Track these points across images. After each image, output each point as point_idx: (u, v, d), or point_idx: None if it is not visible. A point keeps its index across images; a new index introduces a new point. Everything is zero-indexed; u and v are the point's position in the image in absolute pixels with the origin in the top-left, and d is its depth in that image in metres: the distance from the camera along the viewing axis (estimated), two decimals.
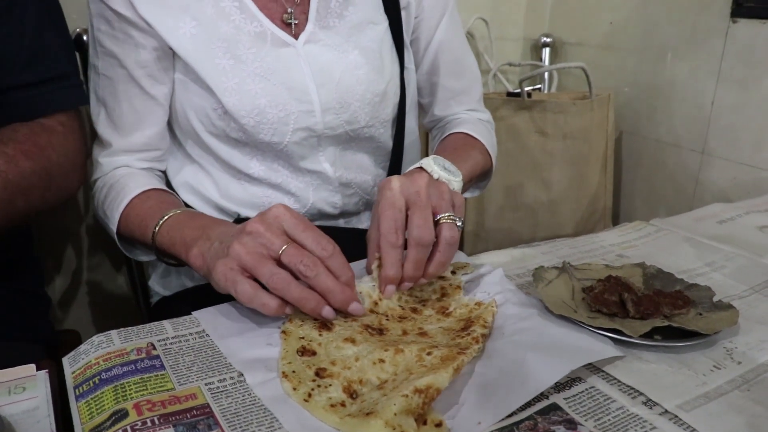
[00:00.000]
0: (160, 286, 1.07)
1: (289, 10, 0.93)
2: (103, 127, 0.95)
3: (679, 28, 1.49)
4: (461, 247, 1.57)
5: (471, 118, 1.14)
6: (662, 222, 1.11)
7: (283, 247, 0.68)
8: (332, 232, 0.75)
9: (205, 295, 0.75)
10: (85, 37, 1.15)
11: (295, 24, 0.94)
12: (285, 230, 0.70)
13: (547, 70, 1.74)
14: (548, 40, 1.79)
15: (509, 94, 1.51)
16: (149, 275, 1.11)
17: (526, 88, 1.64)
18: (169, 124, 0.99)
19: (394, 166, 1.06)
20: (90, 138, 1.12)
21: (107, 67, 0.92)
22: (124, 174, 0.95)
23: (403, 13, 1.02)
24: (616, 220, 1.68)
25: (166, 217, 0.84)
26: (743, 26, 1.36)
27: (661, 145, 1.57)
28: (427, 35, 1.08)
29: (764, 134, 1.34)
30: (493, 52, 1.74)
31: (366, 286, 0.73)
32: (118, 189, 0.92)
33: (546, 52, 1.80)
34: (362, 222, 1.08)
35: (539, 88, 1.77)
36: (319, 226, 0.73)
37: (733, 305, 0.76)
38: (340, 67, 0.95)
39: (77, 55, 1.13)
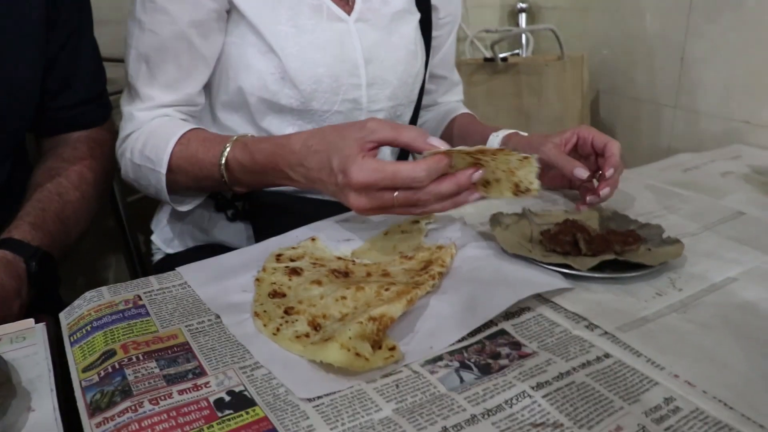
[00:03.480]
0: (162, 242, 1.14)
1: None
2: (143, 83, 0.96)
3: None
4: None
5: (462, 107, 1.28)
6: (628, 172, 1.15)
7: (395, 195, 0.73)
8: (333, 205, 0.83)
9: (202, 256, 0.81)
10: None
11: None
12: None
13: (517, 33, 1.78)
14: (524, 5, 1.83)
15: (486, 60, 1.56)
16: (152, 231, 1.18)
17: (505, 54, 1.69)
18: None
19: (404, 150, 1.14)
20: None
21: (156, 23, 0.92)
22: (165, 121, 0.97)
23: (432, 12, 1.12)
24: None
25: (235, 138, 0.89)
26: None
27: (635, 102, 1.62)
28: (447, 35, 1.20)
29: (731, 85, 1.39)
30: (469, 19, 1.78)
31: None
32: (163, 131, 0.94)
33: (522, 18, 1.84)
34: None
35: (517, 53, 1.82)
36: (322, 199, 0.91)
37: (680, 240, 0.82)
38: (385, 47, 1.02)
39: None
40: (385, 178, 0.71)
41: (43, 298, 0.91)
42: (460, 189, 0.74)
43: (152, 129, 0.95)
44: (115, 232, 1.46)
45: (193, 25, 0.92)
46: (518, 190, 0.76)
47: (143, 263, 1.41)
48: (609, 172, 0.91)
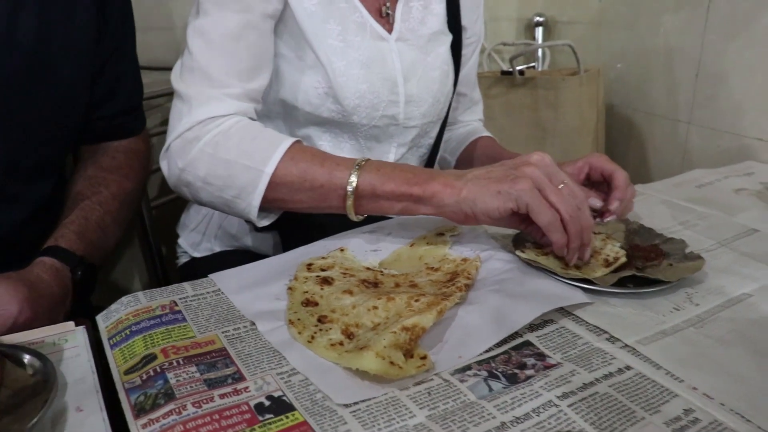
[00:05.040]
0: (188, 246, 1.17)
1: (387, 3, 1.03)
2: (216, 68, 0.90)
3: (663, 2, 1.56)
4: None
5: (484, 129, 1.31)
6: (643, 187, 1.18)
7: (565, 181, 0.77)
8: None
9: (229, 260, 0.84)
10: None
11: (389, 14, 1.04)
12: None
13: (537, 48, 1.81)
14: (541, 19, 1.86)
15: (503, 73, 1.59)
16: (176, 234, 1.22)
17: (521, 67, 1.72)
18: None
19: (429, 165, 1.19)
20: None
21: (227, 11, 0.90)
22: (258, 124, 0.91)
23: (462, 33, 1.16)
24: None
25: (366, 159, 0.85)
26: None
27: (650, 116, 1.64)
28: (470, 54, 1.24)
29: (745, 102, 1.41)
30: (487, 32, 1.81)
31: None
32: (269, 132, 0.89)
33: (539, 31, 1.87)
34: None
35: (533, 66, 1.84)
36: None
37: (702, 256, 0.84)
38: (422, 66, 1.06)
39: None
40: (556, 165, 0.79)
41: (77, 303, 0.94)
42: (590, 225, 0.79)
43: (248, 126, 0.89)
44: (135, 235, 1.50)
45: (264, 18, 0.92)
46: (608, 264, 0.81)
47: (164, 267, 1.44)
48: (614, 206, 0.93)
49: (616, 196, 0.94)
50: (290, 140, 0.86)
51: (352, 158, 0.85)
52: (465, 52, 1.19)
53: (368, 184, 0.82)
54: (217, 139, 0.87)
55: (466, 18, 1.15)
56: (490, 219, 0.79)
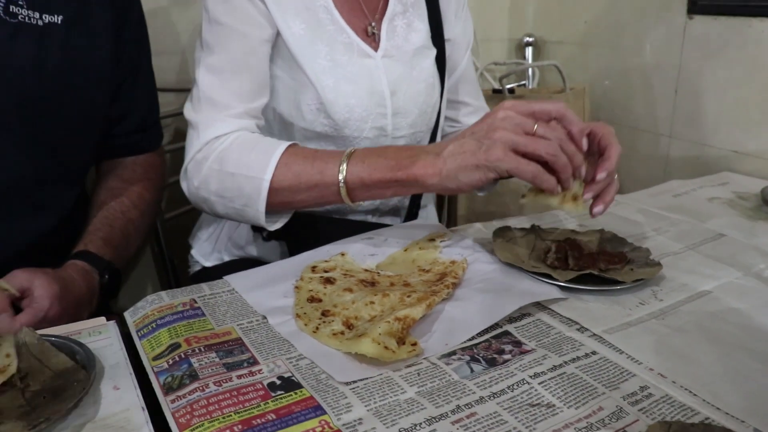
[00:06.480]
0: (200, 256, 1.26)
1: (372, 23, 1.12)
2: (220, 93, 1.00)
3: (644, 24, 1.66)
4: (454, 224, 1.74)
5: None
6: (622, 197, 1.27)
7: (536, 126, 0.83)
8: (359, 225, 0.99)
9: (238, 269, 0.93)
10: None
11: (375, 33, 1.12)
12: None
13: (526, 68, 1.91)
14: (530, 39, 1.96)
15: (494, 91, 1.68)
16: (188, 245, 1.31)
17: (512, 85, 1.82)
18: None
19: None
20: None
21: (227, 41, 1.01)
22: (257, 135, 1.01)
23: (447, 45, 1.23)
24: None
25: (352, 150, 0.95)
26: (698, 22, 1.52)
27: (634, 131, 1.74)
28: (458, 60, 1.29)
29: (720, 117, 1.51)
30: (479, 52, 1.91)
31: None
32: (265, 142, 0.99)
33: (529, 51, 1.97)
34: (386, 220, 1.22)
35: (524, 84, 1.94)
36: (349, 219, 0.99)
37: (660, 263, 0.92)
38: (407, 80, 1.14)
39: None
40: (525, 103, 0.85)
41: (100, 305, 1.03)
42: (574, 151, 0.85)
43: (246, 139, 0.99)
44: (148, 246, 1.59)
45: (261, 43, 1.03)
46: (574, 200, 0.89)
47: (176, 276, 1.53)
48: (600, 176, 0.90)
49: (605, 167, 0.91)
50: (284, 146, 0.97)
51: (339, 152, 0.95)
52: (455, 57, 1.26)
53: (356, 177, 0.93)
54: (221, 156, 0.98)
55: (449, 31, 1.23)
56: (475, 188, 0.88)
